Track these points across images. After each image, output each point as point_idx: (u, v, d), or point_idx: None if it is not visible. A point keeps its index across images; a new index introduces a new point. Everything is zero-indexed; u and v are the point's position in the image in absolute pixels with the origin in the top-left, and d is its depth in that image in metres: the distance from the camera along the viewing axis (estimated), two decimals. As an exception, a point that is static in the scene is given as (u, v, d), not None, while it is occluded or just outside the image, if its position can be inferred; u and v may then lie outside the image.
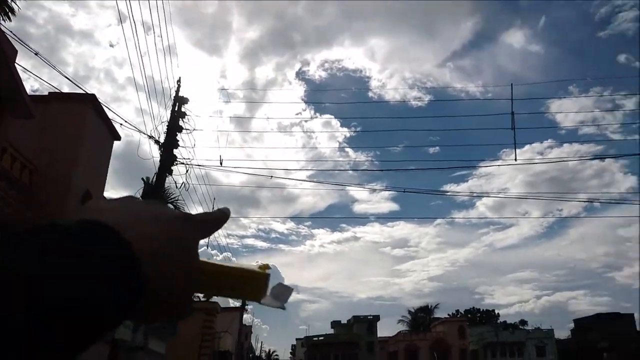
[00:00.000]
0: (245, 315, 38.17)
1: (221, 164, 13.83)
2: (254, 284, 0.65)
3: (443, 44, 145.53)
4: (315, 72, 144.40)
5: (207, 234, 0.62)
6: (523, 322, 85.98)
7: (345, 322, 75.40)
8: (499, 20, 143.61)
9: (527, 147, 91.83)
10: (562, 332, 75.42)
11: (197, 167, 14.60)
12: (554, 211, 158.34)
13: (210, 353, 30.71)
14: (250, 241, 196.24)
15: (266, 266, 0.66)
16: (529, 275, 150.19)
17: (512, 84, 16.61)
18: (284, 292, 0.68)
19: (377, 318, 73.98)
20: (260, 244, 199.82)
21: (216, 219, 0.64)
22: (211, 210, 0.66)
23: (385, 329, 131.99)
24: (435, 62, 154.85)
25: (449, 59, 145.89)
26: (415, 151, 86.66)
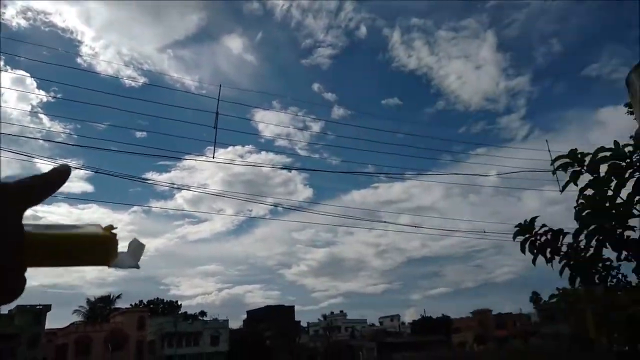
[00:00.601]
0: None
1: None
2: (102, 249, 0.64)
3: (167, 30, 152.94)
4: (14, 18, 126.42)
5: (38, 200, 0.58)
6: (203, 313, 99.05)
7: (7, 312, 70.73)
8: (223, 23, 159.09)
9: (230, 148, 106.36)
10: (237, 323, 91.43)
11: None
12: (245, 211, 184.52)
13: None
14: None
15: (111, 227, 0.66)
16: (215, 268, 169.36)
17: (220, 85, 18.56)
18: (138, 249, 0.70)
19: (47, 308, 72.54)
20: None
21: (50, 182, 0.60)
22: (43, 172, 0.60)
23: (56, 320, 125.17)
24: (156, 45, 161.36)
25: (171, 46, 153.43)
26: (121, 132, 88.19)
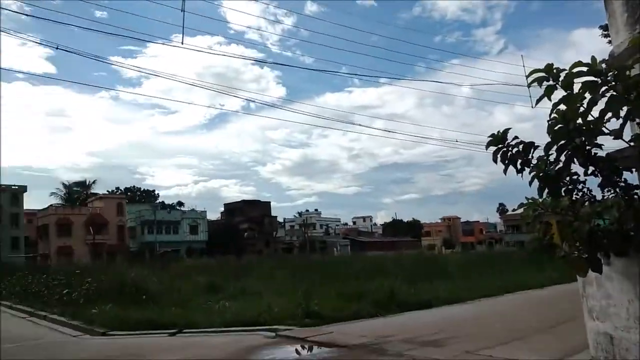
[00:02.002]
0: None
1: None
2: None
3: None
4: None
5: None
6: (180, 204, 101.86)
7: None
8: None
9: (199, 37, 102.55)
10: (214, 215, 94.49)
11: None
12: (217, 105, 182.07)
13: None
14: None
15: None
16: (189, 161, 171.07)
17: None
18: None
19: (23, 189, 73.77)
20: None
21: None
22: None
23: (34, 202, 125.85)
24: None
25: None
26: (78, 8, 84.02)
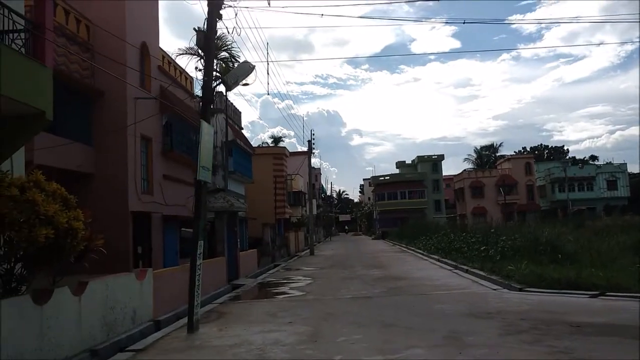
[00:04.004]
0: (313, 159, 43.85)
1: (269, 3, 14.42)
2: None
3: None
4: None
5: None
6: (593, 158, 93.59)
7: (410, 162, 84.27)
8: None
9: None
10: (635, 167, 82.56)
11: (245, 8, 17.73)
12: (633, 39, 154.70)
13: (285, 193, 38.54)
14: (308, 88, 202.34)
15: None
16: (602, 109, 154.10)
17: None
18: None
19: (441, 157, 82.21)
20: (319, 90, 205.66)
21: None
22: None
23: (450, 168, 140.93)
24: None
25: None
26: None
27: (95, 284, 7.83)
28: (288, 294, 14.31)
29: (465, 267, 17.19)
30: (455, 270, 17.63)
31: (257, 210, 28.95)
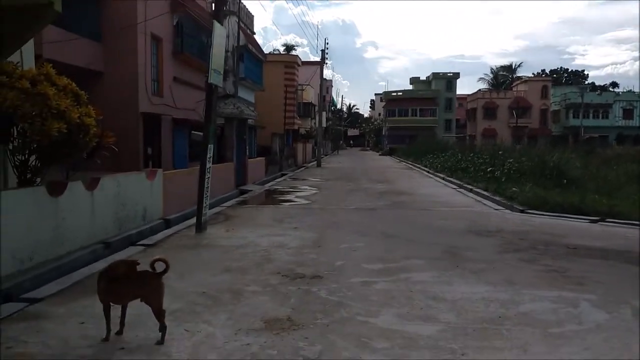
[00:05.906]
0: (325, 71, 42.65)
1: None
2: None
3: None
4: None
5: None
6: (614, 85, 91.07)
7: (424, 78, 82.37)
8: None
9: None
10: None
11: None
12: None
13: (295, 104, 38.03)
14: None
15: None
16: (629, 33, 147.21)
17: None
18: None
19: (456, 75, 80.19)
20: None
21: None
22: None
23: (465, 87, 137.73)
24: None
25: None
26: None
27: (107, 181, 8.03)
28: (294, 202, 14.65)
29: (469, 187, 17.39)
30: (460, 189, 17.86)
31: (266, 119, 28.81)
